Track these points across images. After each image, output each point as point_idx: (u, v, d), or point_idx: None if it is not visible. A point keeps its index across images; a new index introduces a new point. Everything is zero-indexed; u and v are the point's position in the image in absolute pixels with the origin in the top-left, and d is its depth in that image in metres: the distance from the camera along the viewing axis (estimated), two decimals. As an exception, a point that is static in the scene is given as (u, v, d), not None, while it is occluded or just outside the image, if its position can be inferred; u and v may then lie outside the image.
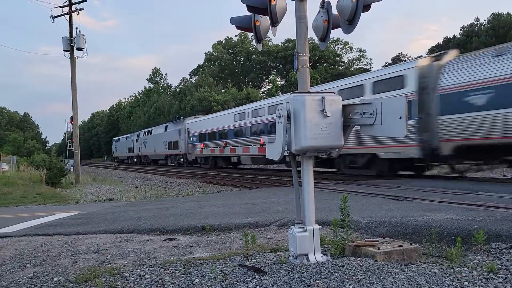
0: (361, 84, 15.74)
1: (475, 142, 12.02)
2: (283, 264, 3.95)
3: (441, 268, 3.73)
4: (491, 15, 49.14)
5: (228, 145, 25.81)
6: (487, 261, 3.96)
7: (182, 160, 37.21)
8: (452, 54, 14.61)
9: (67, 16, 23.88)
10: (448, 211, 6.59)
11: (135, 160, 53.26)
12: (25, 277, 4.13)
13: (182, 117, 41.33)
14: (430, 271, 3.65)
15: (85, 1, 24.22)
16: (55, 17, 23.89)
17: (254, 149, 20.95)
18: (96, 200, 13.63)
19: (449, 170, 14.28)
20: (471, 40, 46.18)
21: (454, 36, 53.94)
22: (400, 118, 3.53)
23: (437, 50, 55.87)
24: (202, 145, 30.16)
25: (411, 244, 4.14)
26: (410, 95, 13.34)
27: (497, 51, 11.73)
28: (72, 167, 26.01)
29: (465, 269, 3.73)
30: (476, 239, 4.36)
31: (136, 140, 51.58)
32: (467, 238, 4.62)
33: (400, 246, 4.05)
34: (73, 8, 24.01)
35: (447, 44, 53.48)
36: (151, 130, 46.90)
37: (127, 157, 57.51)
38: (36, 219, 8.29)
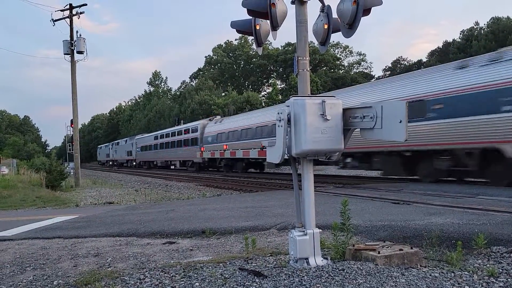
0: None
1: None
2: (284, 268, 3.95)
3: (442, 272, 3.72)
4: (490, 19, 49.38)
5: (155, 153, 46.12)
6: (488, 265, 3.96)
7: (134, 163, 55.34)
8: (217, 118, 34.87)
9: (68, 20, 23.95)
10: (448, 215, 6.58)
11: (110, 163, 70.41)
12: (24, 281, 4.12)
13: (136, 134, 61.31)
14: (430, 275, 3.64)
15: (86, 4, 24.32)
16: (56, 20, 23.97)
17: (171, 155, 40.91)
18: (96, 204, 13.62)
19: None
20: (470, 44, 46.29)
21: (453, 40, 54.10)
22: (400, 122, 3.53)
23: (437, 54, 56.10)
24: (141, 153, 51.34)
25: (411, 248, 4.13)
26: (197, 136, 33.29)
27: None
28: (72, 170, 26.00)
29: (466, 273, 3.72)
30: (476, 243, 4.36)
31: (111, 148, 70.20)
32: (468, 242, 4.61)
33: (401, 250, 4.05)
34: (74, 11, 24.07)
35: (447, 47, 53.67)
36: (119, 142, 66.17)
37: (106, 161, 75.46)
38: (36, 222, 8.28)
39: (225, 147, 28.33)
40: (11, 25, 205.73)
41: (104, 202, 13.97)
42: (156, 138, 46.05)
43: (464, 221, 5.98)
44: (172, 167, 41.21)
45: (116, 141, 67.74)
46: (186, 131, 37.38)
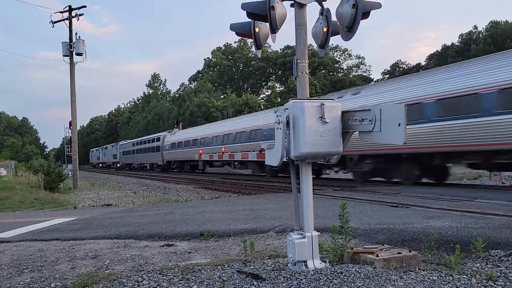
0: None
1: None
2: (282, 271, 3.94)
3: (440, 276, 3.72)
4: (489, 23, 49.53)
5: (133, 157, 55.49)
6: (486, 269, 3.96)
7: (118, 165, 63.56)
8: (174, 131, 43.57)
9: (67, 22, 23.92)
10: (447, 218, 6.59)
11: (100, 165, 79.11)
12: (22, 283, 4.10)
13: (118, 141, 69.25)
14: (429, 278, 3.64)
15: (85, 6, 24.30)
16: (55, 22, 23.93)
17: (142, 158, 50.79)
18: (94, 206, 13.58)
19: None
20: (469, 48, 46.43)
21: (452, 43, 54.30)
22: (399, 125, 3.53)
23: (436, 57, 56.22)
24: (123, 156, 59.94)
25: (410, 251, 4.13)
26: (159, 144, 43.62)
27: None
28: (70, 172, 25.95)
29: (464, 276, 3.72)
30: (475, 247, 4.36)
31: (101, 152, 78.16)
32: (466, 245, 4.61)
33: (399, 253, 4.05)
34: (73, 13, 24.05)
35: (446, 51, 53.81)
36: (107, 147, 74.40)
37: (96, 163, 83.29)
38: (33, 224, 8.26)
39: (178, 152, 38.96)
40: (10, 27, 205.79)
41: (102, 204, 13.94)
42: (133, 144, 55.49)
43: (462, 224, 5.99)
44: (145, 168, 51.37)
45: (105, 146, 77.69)
46: (153, 140, 47.24)
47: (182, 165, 39.94)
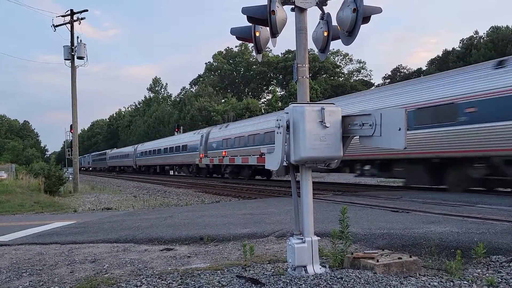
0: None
1: None
2: (281, 276, 3.92)
3: (441, 281, 3.70)
4: (490, 28, 49.61)
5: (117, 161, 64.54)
6: (487, 275, 3.94)
7: (106, 167, 73.64)
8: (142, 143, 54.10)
9: (69, 25, 23.98)
10: (447, 224, 6.56)
11: (90, 168, 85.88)
12: (20, 286, 4.09)
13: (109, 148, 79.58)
14: (429, 284, 3.62)
15: (87, 10, 24.38)
16: (57, 26, 23.99)
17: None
18: (94, 209, 13.57)
19: None
20: (470, 53, 46.48)
21: (453, 48, 54.37)
22: (400, 129, 3.52)
23: (437, 62, 56.30)
24: (111, 161, 68.34)
25: (410, 257, 4.11)
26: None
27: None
28: (70, 176, 25.93)
29: (465, 282, 3.70)
30: (476, 252, 4.34)
31: (89, 157, 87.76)
32: (467, 251, 4.59)
33: (400, 258, 4.02)
34: (75, 17, 24.09)
35: (447, 56, 53.88)
36: (96, 153, 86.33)
37: (88, 167, 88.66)
38: (33, 227, 8.24)
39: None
40: (11, 30, 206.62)
41: (102, 208, 13.92)
42: (117, 152, 67.50)
43: (463, 229, 5.96)
44: (121, 169, 63.16)
45: (95, 153, 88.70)
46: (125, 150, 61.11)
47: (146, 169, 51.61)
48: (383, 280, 3.63)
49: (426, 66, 59.67)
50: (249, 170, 26.87)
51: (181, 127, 52.28)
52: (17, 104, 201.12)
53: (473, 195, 11.60)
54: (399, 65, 67.60)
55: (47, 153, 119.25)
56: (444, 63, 52.01)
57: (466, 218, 7.14)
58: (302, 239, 4.00)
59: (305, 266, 3.95)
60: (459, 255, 4.06)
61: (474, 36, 52.30)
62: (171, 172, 45.53)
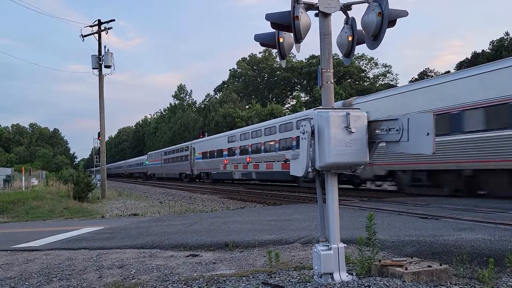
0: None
1: None
2: (307, 283, 3.87)
3: (473, 291, 3.58)
4: (521, 29, 48.14)
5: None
6: (522, 284, 3.78)
7: (124, 173, 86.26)
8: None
9: (96, 35, 24.61)
10: (479, 231, 6.36)
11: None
12: (50, 291, 4.17)
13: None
14: (461, 293, 3.50)
15: (114, 20, 24.96)
16: (85, 36, 24.67)
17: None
18: (121, 215, 13.78)
19: None
20: (501, 54, 45.22)
21: (483, 50, 52.97)
22: (428, 134, 3.44)
23: (466, 65, 54.99)
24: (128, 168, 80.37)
25: (440, 265, 3.99)
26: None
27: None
28: (98, 182, 26.46)
29: (499, 292, 3.57)
30: (509, 261, 4.17)
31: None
32: (500, 259, 4.43)
33: (429, 266, 3.92)
34: (102, 27, 24.73)
35: (476, 58, 52.57)
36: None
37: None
38: (62, 233, 8.43)
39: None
40: (41, 41, 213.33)
41: (129, 214, 14.13)
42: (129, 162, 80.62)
43: (496, 237, 5.76)
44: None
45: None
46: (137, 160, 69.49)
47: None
48: (412, 289, 3.54)
49: (454, 69, 58.39)
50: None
51: (206, 134, 52.66)
52: (48, 112, 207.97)
53: (506, 201, 11.22)
54: (426, 69, 66.36)
55: (76, 160, 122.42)
56: (473, 65, 50.73)
57: (499, 225, 6.90)
58: (328, 246, 3.94)
59: (331, 274, 3.89)
60: (492, 263, 3.92)
61: (505, 37, 50.88)
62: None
